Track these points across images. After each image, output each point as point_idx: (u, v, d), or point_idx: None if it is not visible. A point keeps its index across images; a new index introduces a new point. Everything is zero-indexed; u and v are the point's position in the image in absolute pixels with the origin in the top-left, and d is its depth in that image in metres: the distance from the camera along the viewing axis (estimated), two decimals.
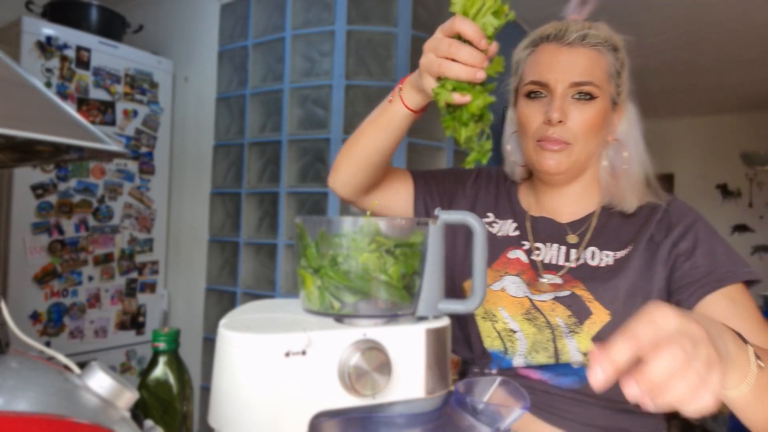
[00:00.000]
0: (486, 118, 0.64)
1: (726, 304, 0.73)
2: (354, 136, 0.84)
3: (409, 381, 0.48)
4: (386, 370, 0.46)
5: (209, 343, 2.37)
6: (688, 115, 4.86)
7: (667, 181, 4.98)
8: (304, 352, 0.45)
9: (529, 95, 0.82)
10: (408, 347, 0.49)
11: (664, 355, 0.40)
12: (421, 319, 0.52)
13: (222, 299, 2.34)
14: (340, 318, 0.51)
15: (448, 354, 0.52)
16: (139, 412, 0.63)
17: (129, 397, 0.48)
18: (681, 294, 0.76)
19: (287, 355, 0.45)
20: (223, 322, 0.49)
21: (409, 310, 0.52)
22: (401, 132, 0.79)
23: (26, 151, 0.63)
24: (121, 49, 2.35)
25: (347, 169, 0.86)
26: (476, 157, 0.65)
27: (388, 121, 0.78)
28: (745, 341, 0.54)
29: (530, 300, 0.82)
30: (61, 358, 0.52)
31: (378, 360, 0.46)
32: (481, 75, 0.61)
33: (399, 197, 0.95)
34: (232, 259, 2.31)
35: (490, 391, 0.54)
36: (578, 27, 0.81)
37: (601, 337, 0.76)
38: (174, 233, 2.61)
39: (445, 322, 0.52)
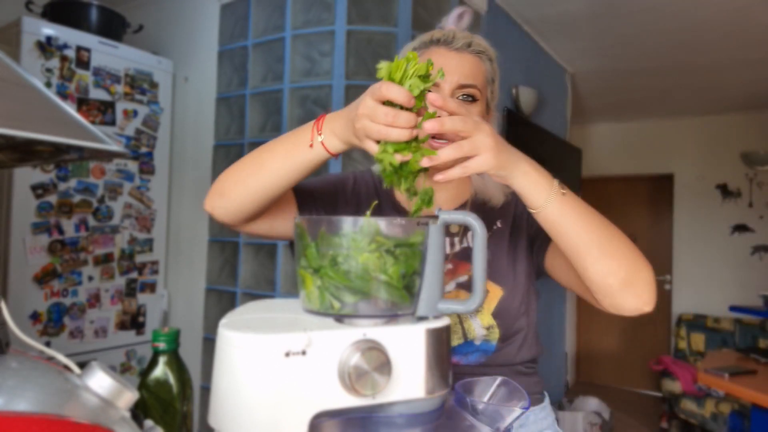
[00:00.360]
0: (424, 168, 0.66)
1: None
2: (252, 167, 0.79)
3: (409, 381, 0.48)
4: (386, 370, 0.46)
5: (209, 343, 2.37)
6: (688, 115, 4.85)
7: (667, 181, 4.99)
8: (304, 352, 0.45)
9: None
10: (408, 347, 0.49)
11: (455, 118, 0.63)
12: (421, 319, 0.52)
13: (222, 299, 2.34)
14: (340, 318, 0.51)
15: (448, 354, 0.52)
16: (139, 412, 0.63)
17: (129, 397, 0.48)
18: (536, 247, 0.91)
19: (287, 355, 0.45)
20: (223, 322, 0.49)
21: (409, 310, 0.52)
22: (313, 171, 0.79)
23: (26, 151, 0.63)
24: (121, 49, 2.35)
25: (237, 199, 0.82)
26: (421, 204, 0.67)
27: (306, 161, 0.76)
28: (552, 177, 0.72)
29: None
30: (61, 358, 0.52)
31: (378, 360, 0.46)
32: (417, 133, 0.65)
33: (285, 219, 0.94)
34: (232, 259, 2.31)
35: (490, 391, 0.54)
36: (464, 35, 0.89)
37: (498, 311, 0.87)
38: (174, 233, 2.61)
39: (445, 322, 0.52)
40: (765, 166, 4.32)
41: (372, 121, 0.64)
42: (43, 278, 2.09)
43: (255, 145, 2.24)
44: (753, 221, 4.58)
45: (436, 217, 0.57)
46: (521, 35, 3.03)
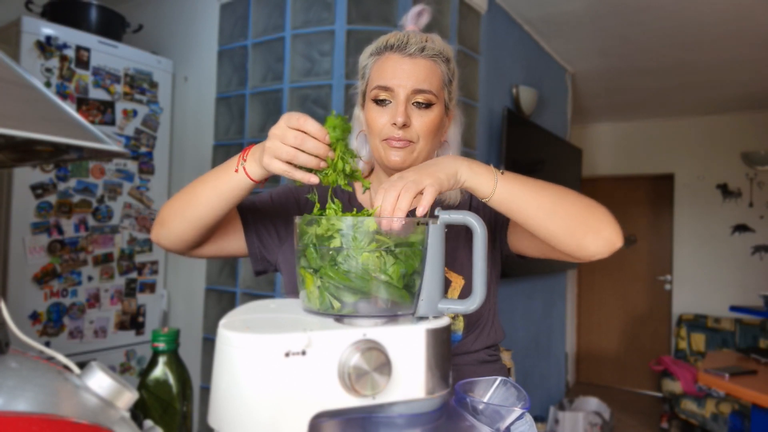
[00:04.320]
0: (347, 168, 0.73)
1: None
2: (187, 197, 0.85)
3: (409, 381, 0.48)
4: (386, 370, 0.46)
5: (209, 343, 2.37)
6: (688, 115, 4.86)
7: (667, 181, 4.99)
8: (304, 352, 0.45)
9: (376, 100, 0.90)
10: (408, 347, 0.48)
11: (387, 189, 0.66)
12: (421, 319, 0.52)
13: (222, 299, 2.34)
14: (340, 318, 0.50)
15: (448, 354, 0.52)
16: (138, 412, 0.63)
17: (128, 397, 0.48)
18: (497, 227, 0.95)
19: (287, 355, 0.44)
20: (222, 322, 0.49)
21: (409, 310, 0.52)
22: (239, 199, 0.83)
23: (26, 151, 0.63)
24: (120, 48, 2.35)
25: (178, 228, 0.87)
26: (334, 178, 0.73)
27: (230, 189, 0.81)
28: (488, 164, 0.78)
29: None
30: (61, 358, 0.52)
31: (378, 360, 0.46)
32: (323, 165, 0.70)
33: (233, 239, 0.97)
34: (232, 259, 2.31)
35: (490, 391, 0.54)
36: (417, 39, 0.90)
37: (461, 299, 0.87)
38: None
39: (445, 322, 0.52)
40: (765, 166, 4.32)
41: (282, 143, 0.70)
42: (42, 278, 2.09)
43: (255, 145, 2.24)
44: (753, 221, 4.58)
45: (436, 216, 0.57)
46: (521, 35, 3.03)
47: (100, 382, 0.46)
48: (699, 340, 4.37)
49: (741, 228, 4.62)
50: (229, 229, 0.96)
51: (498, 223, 0.96)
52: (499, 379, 0.54)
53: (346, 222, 0.50)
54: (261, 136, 2.23)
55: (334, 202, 0.66)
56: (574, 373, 5.14)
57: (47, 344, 2.08)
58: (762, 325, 4.07)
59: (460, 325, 0.91)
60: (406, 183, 0.67)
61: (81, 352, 2.20)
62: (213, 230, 0.90)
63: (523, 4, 2.77)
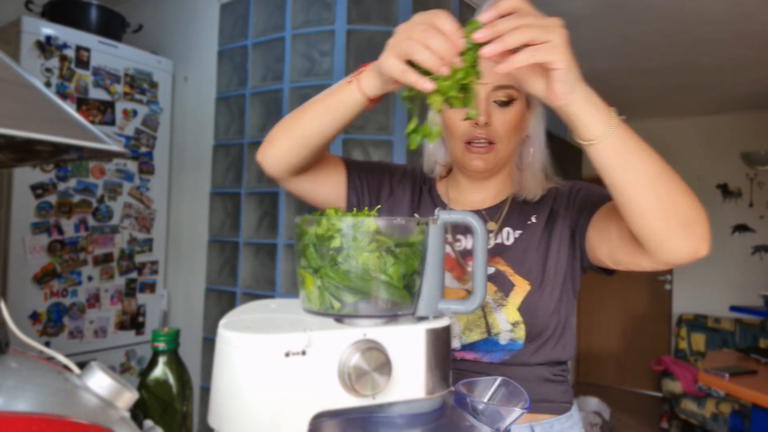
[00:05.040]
0: (467, 99, 0.64)
1: (608, 209, 0.82)
2: (297, 112, 0.82)
3: (409, 381, 0.48)
4: (386, 370, 0.46)
5: (209, 343, 2.37)
6: (688, 115, 4.85)
7: None
8: (304, 352, 0.45)
9: None
10: (408, 347, 0.48)
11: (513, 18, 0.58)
12: (421, 319, 0.52)
13: (222, 299, 2.34)
14: (340, 318, 0.50)
15: (448, 354, 0.52)
16: (138, 412, 0.63)
17: (128, 397, 0.48)
18: (578, 227, 0.87)
19: (287, 355, 0.44)
20: (222, 322, 0.49)
21: (409, 310, 0.52)
22: (348, 119, 0.78)
23: (26, 151, 0.63)
24: (120, 48, 2.35)
25: (283, 146, 0.83)
26: (417, 136, 0.66)
27: (339, 102, 0.76)
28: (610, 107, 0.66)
29: (466, 290, 0.89)
30: (61, 358, 0.52)
31: (378, 360, 0.46)
32: (444, 70, 0.60)
33: (330, 185, 0.95)
34: (232, 259, 2.31)
35: (490, 391, 0.54)
36: None
37: (525, 306, 0.85)
38: (174, 233, 2.61)
39: (445, 322, 0.52)
40: (765, 166, 4.32)
41: (406, 37, 0.61)
42: (42, 278, 2.09)
43: (255, 145, 2.25)
44: (753, 221, 4.58)
45: (436, 217, 0.57)
46: None
47: (100, 382, 0.46)
48: (699, 340, 4.37)
49: (741, 228, 4.62)
50: (333, 174, 0.94)
51: (578, 227, 0.87)
52: (499, 379, 0.54)
53: (346, 222, 0.50)
54: (261, 135, 2.23)
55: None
56: (574, 373, 5.14)
57: (47, 344, 2.08)
58: (762, 325, 4.07)
59: (521, 333, 0.85)
60: (532, 24, 0.57)
61: (81, 352, 2.20)
62: (318, 155, 0.86)
63: None
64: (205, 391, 2.23)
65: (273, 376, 0.44)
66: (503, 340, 0.85)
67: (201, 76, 2.51)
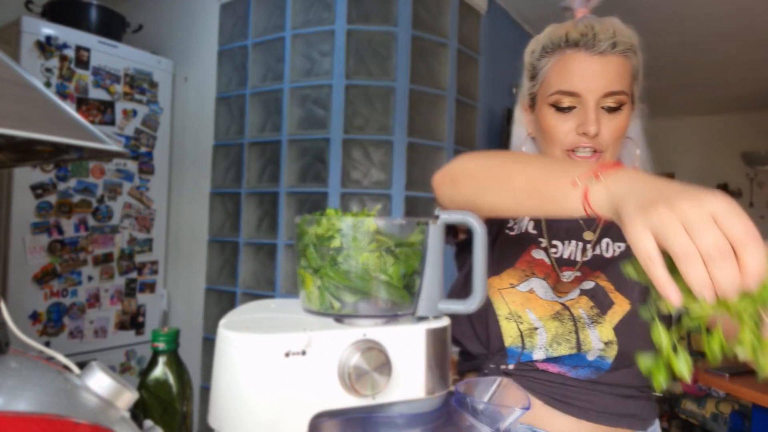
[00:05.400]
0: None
1: None
2: (497, 179, 0.64)
3: (409, 381, 0.48)
4: (386, 370, 0.46)
5: (209, 343, 2.37)
6: (688, 115, 4.86)
7: None
8: (304, 352, 0.45)
9: (558, 107, 0.80)
10: (408, 347, 0.48)
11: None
12: (421, 319, 0.52)
13: (222, 299, 2.34)
14: (340, 318, 0.50)
15: (448, 354, 0.52)
16: (138, 412, 0.63)
17: (128, 397, 0.48)
18: None
19: (287, 355, 0.44)
20: (222, 322, 0.49)
21: (409, 310, 0.52)
22: (553, 216, 0.61)
23: (26, 151, 0.63)
24: (120, 48, 2.35)
25: (467, 200, 0.68)
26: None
27: (551, 199, 0.58)
28: None
29: (561, 304, 0.83)
30: (61, 358, 0.52)
31: (378, 360, 0.46)
32: (708, 296, 0.42)
33: None
34: (232, 259, 2.31)
35: (490, 391, 0.54)
36: (605, 31, 0.78)
37: (621, 326, 0.79)
38: (174, 233, 2.61)
39: (445, 322, 0.52)
40: (765, 166, 4.32)
41: (681, 226, 0.42)
42: (42, 278, 2.09)
43: (255, 144, 2.25)
44: (754, 221, 4.57)
45: (436, 217, 0.57)
46: (522, 35, 3.03)
47: (100, 382, 0.46)
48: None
49: None
50: None
51: None
52: (499, 379, 0.54)
53: (346, 222, 0.50)
54: (261, 135, 2.23)
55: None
56: None
57: (47, 344, 2.08)
58: None
59: (612, 353, 0.78)
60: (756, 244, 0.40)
61: (81, 352, 2.20)
62: None
63: (523, 4, 2.77)
64: (205, 391, 2.23)
65: (273, 376, 0.44)
66: (591, 356, 0.80)
67: (201, 76, 2.51)
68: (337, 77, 2.05)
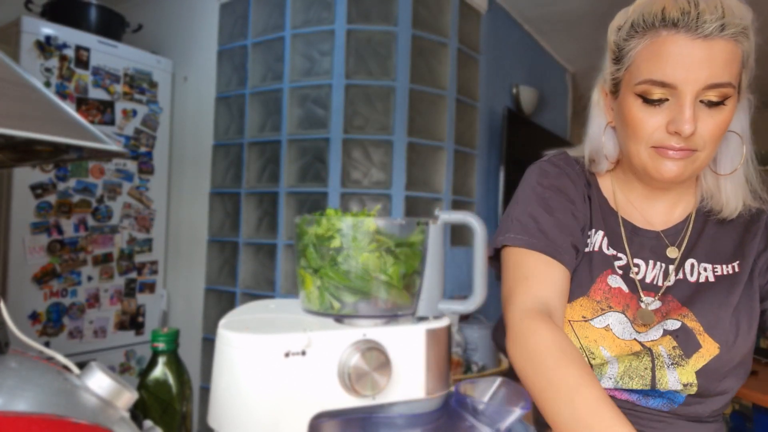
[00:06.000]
0: None
1: None
2: (563, 413, 0.58)
3: (409, 381, 0.48)
4: (386, 371, 0.46)
5: (209, 344, 2.37)
6: None
7: None
8: (303, 353, 0.45)
9: (646, 98, 0.67)
10: (408, 347, 0.48)
11: None
12: (421, 319, 0.52)
13: (221, 299, 2.34)
14: (339, 318, 0.50)
15: (448, 354, 0.52)
16: (138, 412, 0.63)
17: (128, 397, 0.48)
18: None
19: (287, 355, 0.44)
20: (222, 322, 0.49)
21: (409, 310, 0.52)
22: None
23: (25, 151, 0.63)
24: (120, 48, 2.35)
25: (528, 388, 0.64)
26: None
27: None
28: None
29: (639, 343, 0.73)
30: (61, 358, 0.52)
31: (378, 360, 0.46)
32: None
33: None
34: (232, 259, 2.31)
35: (490, 392, 0.54)
36: (715, 12, 0.62)
37: (705, 371, 0.70)
38: (173, 233, 2.61)
39: (445, 322, 0.52)
40: (765, 166, 4.32)
41: None
42: (42, 278, 2.09)
43: (254, 144, 2.24)
44: None
45: (436, 217, 0.57)
46: (522, 34, 3.03)
47: (99, 382, 0.46)
48: None
49: None
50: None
51: None
52: (499, 379, 0.54)
53: (346, 222, 0.50)
54: (261, 135, 2.23)
55: None
56: None
57: (47, 344, 2.08)
58: None
59: (693, 390, 0.71)
60: None
61: (81, 352, 2.20)
62: None
63: (524, 4, 2.77)
64: (205, 391, 2.23)
65: (273, 376, 0.44)
66: (668, 389, 0.73)
67: (201, 75, 2.51)
68: (337, 77, 2.05)
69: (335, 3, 2.06)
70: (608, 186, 0.82)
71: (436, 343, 0.50)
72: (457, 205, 2.28)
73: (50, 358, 0.55)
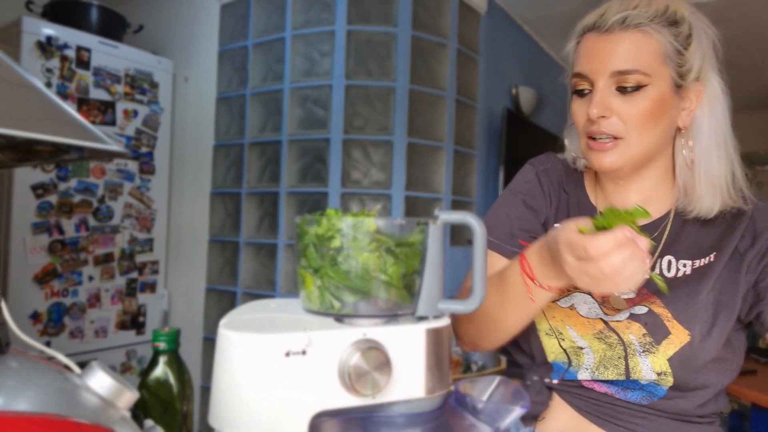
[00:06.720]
0: None
1: None
2: (491, 327, 0.74)
3: (409, 381, 0.48)
4: (386, 370, 0.46)
5: (209, 343, 2.38)
6: None
7: None
8: (304, 352, 0.45)
9: (576, 91, 0.78)
10: (408, 347, 0.49)
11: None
12: (421, 319, 0.52)
13: (222, 299, 2.34)
14: (340, 318, 0.51)
15: (448, 354, 0.52)
16: (139, 411, 0.63)
17: (129, 396, 0.48)
18: (766, 306, 0.72)
19: (287, 355, 0.45)
20: (223, 321, 0.49)
21: (409, 310, 0.52)
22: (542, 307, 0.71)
23: (26, 151, 0.63)
24: (121, 49, 2.35)
25: (491, 346, 0.78)
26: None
27: (536, 310, 0.70)
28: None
29: (604, 321, 0.77)
30: (62, 357, 0.52)
31: (378, 360, 0.46)
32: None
33: None
34: (232, 259, 2.31)
35: (489, 391, 0.54)
36: (618, 9, 0.72)
37: (677, 359, 0.72)
38: (174, 233, 2.61)
39: (445, 322, 0.52)
40: (765, 166, 4.32)
41: (617, 275, 0.56)
42: (43, 278, 2.09)
43: (255, 145, 2.25)
44: None
45: (436, 217, 0.57)
46: (521, 35, 3.03)
47: (100, 381, 0.47)
48: None
49: None
50: None
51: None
52: (498, 378, 0.55)
53: (346, 222, 0.50)
54: (261, 136, 2.24)
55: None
56: None
57: (48, 344, 2.08)
58: None
59: (667, 383, 0.73)
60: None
61: (81, 352, 2.20)
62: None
63: (523, 5, 2.77)
64: (206, 390, 2.23)
65: (273, 375, 0.44)
66: (644, 380, 0.74)
67: (201, 76, 2.51)
68: (337, 77, 2.05)
69: (335, 4, 2.07)
70: (591, 183, 0.87)
71: (436, 342, 0.50)
72: (456, 205, 2.28)
73: (51, 358, 0.55)
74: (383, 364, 0.46)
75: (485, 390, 0.54)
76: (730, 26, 2.99)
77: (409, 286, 0.51)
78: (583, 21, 0.78)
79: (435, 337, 0.50)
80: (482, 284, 0.54)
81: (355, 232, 0.50)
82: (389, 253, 0.50)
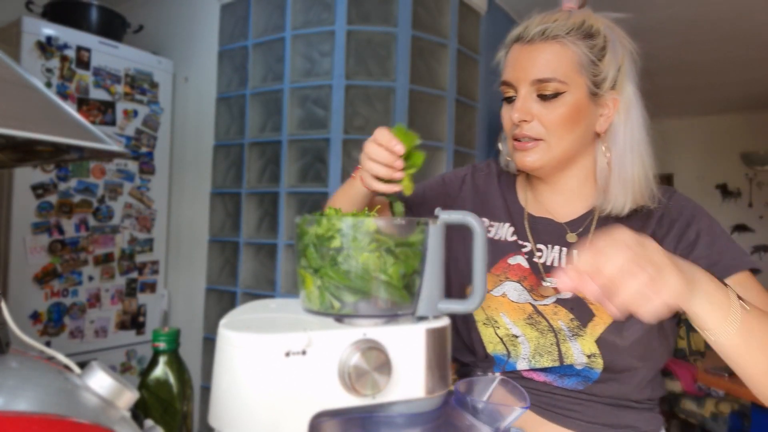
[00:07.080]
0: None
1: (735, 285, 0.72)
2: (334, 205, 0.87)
3: (409, 381, 0.48)
4: (386, 370, 0.46)
5: (209, 343, 2.37)
6: (688, 115, 4.85)
7: (666, 181, 4.98)
8: (304, 352, 0.45)
9: (504, 98, 0.85)
10: (408, 347, 0.49)
11: (618, 256, 0.50)
12: (421, 319, 0.52)
13: (222, 299, 2.34)
14: (340, 318, 0.51)
15: (448, 354, 0.52)
16: (139, 411, 0.63)
17: (129, 396, 0.48)
18: None
19: (287, 355, 0.45)
20: (223, 321, 0.49)
21: (409, 310, 0.52)
22: (369, 200, 0.85)
23: (26, 151, 0.63)
24: (121, 49, 2.35)
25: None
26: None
27: (354, 195, 0.84)
28: (726, 285, 0.58)
29: (532, 305, 0.82)
30: (62, 357, 0.52)
31: (378, 360, 0.46)
32: (398, 175, 0.71)
33: None
34: (232, 259, 2.31)
35: (489, 391, 0.54)
36: (540, 21, 0.80)
37: (604, 339, 0.76)
38: (174, 233, 2.61)
39: (445, 322, 0.52)
40: (765, 166, 4.32)
41: (367, 158, 0.73)
42: (43, 278, 2.09)
43: (255, 145, 2.25)
44: (753, 221, 4.58)
45: (436, 217, 0.57)
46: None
47: (100, 381, 0.47)
48: (699, 340, 4.37)
49: (740, 228, 4.62)
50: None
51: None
52: (498, 378, 0.55)
53: (346, 222, 0.50)
54: (261, 136, 2.24)
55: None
56: None
57: (48, 344, 2.08)
58: None
59: (598, 365, 0.76)
60: (641, 271, 0.49)
61: (81, 352, 2.20)
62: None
63: (523, 4, 2.77)
64: (206, 390, 2.23)
65: (273, 375, 0.44)
66: (579, 365, 0.78)
67: (201, 76, 2.51)
68: (337, 77, 2.05)
69: (335, 4, 2.07)
70: (521, 183, 0.94)
71: (436, 342, 0.50)
72: None
73: (51, 358, 0.55)
74: (383, 364, 0.46)
75: (485, 390, 0.54)
76: (730, 25, 2.98)
77: (409, 286, 0.51)
78: (512, 32, 0.85)
79: (435, 337, 0.50)
80: (482, 284, 0.54)
81: (355, 232, 0.50)
82: (389, 253, 0.50)
